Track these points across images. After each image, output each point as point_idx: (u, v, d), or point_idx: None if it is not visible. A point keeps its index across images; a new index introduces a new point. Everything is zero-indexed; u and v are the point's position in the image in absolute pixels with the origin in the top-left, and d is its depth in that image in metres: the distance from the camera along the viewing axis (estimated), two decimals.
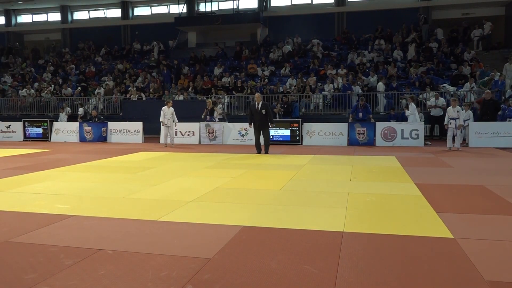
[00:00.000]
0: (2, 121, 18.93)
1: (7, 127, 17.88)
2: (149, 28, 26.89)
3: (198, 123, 15.35)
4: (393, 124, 14.18)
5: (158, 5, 28.05)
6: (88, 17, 29.47)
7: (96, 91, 21.04)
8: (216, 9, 26.07)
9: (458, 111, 12.14)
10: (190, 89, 20.08)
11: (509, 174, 7.87)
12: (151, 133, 16.89)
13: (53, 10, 29.39)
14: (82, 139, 16.33)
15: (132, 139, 16.02)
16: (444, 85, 16.89)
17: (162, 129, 14.27)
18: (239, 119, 16.52)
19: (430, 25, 22.26)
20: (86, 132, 16.30)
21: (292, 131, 14.55)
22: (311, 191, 6.35)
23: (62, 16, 29.12)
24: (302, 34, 23.32)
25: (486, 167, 8.85)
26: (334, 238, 4.03)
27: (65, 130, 16.99)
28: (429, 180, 7.17)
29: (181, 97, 19.03)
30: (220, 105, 16.61)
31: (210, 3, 26.06)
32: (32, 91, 22.09)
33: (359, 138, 13.96)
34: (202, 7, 26.52)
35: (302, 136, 14.50)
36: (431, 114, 15.08)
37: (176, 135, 14.73)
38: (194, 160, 10.24)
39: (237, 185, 6.89)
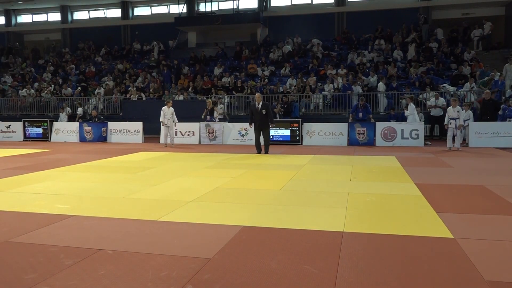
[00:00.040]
0: (2, 121, 18.93)
1: (7, 127, 17.88)
2: (149, 28, 26.89)
3: (198, 123, 15.35)
4: (393, 124, 14.18)
5: (158, 5, 28.05)
6: (88, 17, 29.48)
7: (96, 91, 21.04)
8: (216, 9, 26.07)
9: (458, 111, 12.14)
10: (190, 89, 20.08)
11: (509, 174, 7.87)
12: (151, 133, 16.89)
13: (53, 10, 29.40)
14: (82, 139, 16.34)
15: (132, 139, 16.02)
16: (444, 85, 16.89)
17: (162, 129, 14.28)
18: (239, 119, 16.52)
19: (430, 25, 22.27)
20: (86, 132, 16.30)
21: (292, 131, 14.55)
22: (311, 191, 6.35)
23: (62, 16, 29.12)
24: (302, 34, 23.32)
25: (486, 167, 8.85)
26: (334, 238, 4.03)
27: (65, 130, 16.99)
28: (429, 180, 7.17)
29: (181, 97, 19.03)
30: (222, 105, 16.62)
31: (210, 3, 26.06)
32: (32, 91, 22.09)
33: (359, 138, 13.96)
34: (202, 7, 26.52)
35: (302, 136, 14.50)
36: (431, 114, 15.08)
37: (176, 135, 14.73)
38: (194, 160, 10.24)
39: (237, 185, 6.89)
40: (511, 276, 3.16)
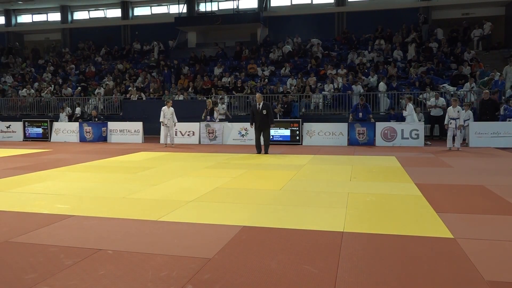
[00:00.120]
0: (2, 121, 18.92)
1: (7, 127, 17.88)
2: (149, 28, 26.89)
3: (198, 123, 15.35)
4: (393, 124, 14.18)
5: (158, 5, 28.06)
6: (88, 17, 29.48)
7: (96, 91, 21.04)
8: (216, 9, 26.07)
9: (458, 111, 12.14)
10: (190, 89, 20.08)
11: (509, 174, 7.87)
12: (151, 133, 16.89)
13: (53, 10, 29.40)
14: (82, 139, 16.34)
15: (132, 139, 16.02)
16: (444, 85, 16.89)
17: (162, 129, 14.28)
18: (239, 119, 16.52)
19: (430, 25, 22.27)
20: (86, 132, 16.30)
21: (292, 131, 14.55)
22: (311, 191, 6.35)
23: (62, 16, 29.13)
24: (302, 34, 23.32)
25: (486, 167, 8.85)
26: (334, 238, 4.03)
27: (65, 130, 16.99)
28: (429, 180, 7.17)
29: (181, 97, 19.03)
30: (224, 105, 16.61)
31: (210, 3, 26.06)
32: (32, 91, 22.09)
33: (359, 138, 13.96)
34: (202, 7, 26.53)
35: (302, 136, 14.50)
36: (431, 114, 15.08)
37: (176, 135, 14.73)
38: (194, 160, 10.25)
39: (237, 185, 6.89)
40: (511, 276, 3.16)
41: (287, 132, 14.59)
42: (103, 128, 16.39)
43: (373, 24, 22.49)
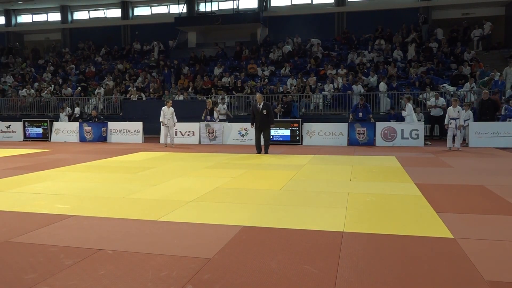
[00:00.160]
0: (2, 121, 18.93)
1: (7, 127, 17.88)
2: (149, 28, 26.89)
3: (198, 123, 15.35)
4: (393, 124, 14.18)
5: (158, 5, 28.06)
6: (88, 17, 29.48)
7: (96, 91, 21.04)
8: (216, 9, 26.08)
9: (458, 111, 12.14)
10: (190, 89, 20.08)
11: (509, 174, 7.87)
12: (151, 133, 16.89)
13: (53, 10, 29.40)
14: (82, 139, 16.34)
15: (132, 139, 16.02)
16: (444, 85, 16.90)
17: (162, 129, 14.28)
18: (239, 119, 16.53)
19: (430, 25, 22.27)
20: (86, 132, 16.30)
21: (292, 131, 14.55)
22: (311, 191, 6.35)
23: (62, 16, 29.13)
24: (302, 34, 23.33)
25: (486, 167, 8.85)
26: (334, 238, 4.03)
27: (65, 130, 16.99)
28: (429, 180, 7.17)
29: (181, 97, 19.04)
30: (225, 106, 16.61)
31: (210, 3, 26.07)
32: (32, 91, 22.10)
33: (359, 138, 13.96)
34: (202, 7, 26.53)
35: (302, 136, 14.50)
36: (431, 114, 15.08)
37: (176, 135, 14.73)
38: (194, 160, 10.25)
39: (237, 185, 6.89)
40: (511, 276, 3.16)
41: (287, 132, 14.59)
42: (103, 128, 16.39)
43: (373, 24, 22.49)
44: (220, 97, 17.69)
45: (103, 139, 16.32)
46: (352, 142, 14.03)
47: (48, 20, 30.00)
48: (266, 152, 11.48)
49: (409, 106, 14.24)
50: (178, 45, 25.64)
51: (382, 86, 17.37)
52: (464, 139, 13.20)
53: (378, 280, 3.10)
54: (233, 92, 19.05)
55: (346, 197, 5.83)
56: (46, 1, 28.25)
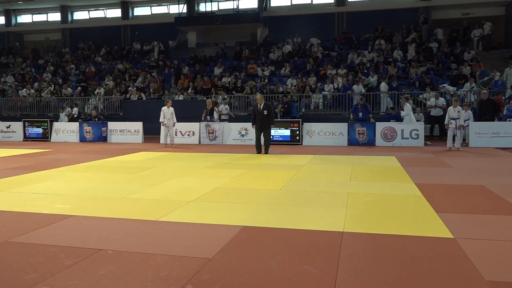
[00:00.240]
0: (2, 121, 18.92)
1: (7, 127, 17.87)
2: (149, 28, 26.89)
3: (198, 123, 15.35)
4: (393, 124, 14.18)
5: (158, 5, 28.06)
6: (88, 17, 29.48)
7: (96, 91, 21.04)
8: (216, 9, 26.08)
9: (459, 111, 12.14)
10: (190, 89, 20.08)
11: (509, 174, 7.87)
12: (151, 133, 16.89)
13: (53, 10, 29.40)
14: (82, 139, 16.34)
15: (132, 139, 16.02)
16: (444, 85, 16.90)
17: (162, 129, 14.28)
18: (239, 119, 16.53)
19: (430, 25, 22.27)
20: (86, 132, 16.30)
21: (292, 131, 14.55)
22: (311, 191, 6.35)
23: (62, 16, 29.13)
24: (302, 34, 23.33)
25: (486, 167, 8.85)
26: (334, 238, 4.03)
27: (65, 130, 16.99)
28: (429, 180, 7.17)
29: (181, 97, 19.04)
30: (226, 106, 16.61)
31: (210, 3, 26.06)
32: (32, 91, 22.10)
33: (359, 138, 13.96)
34: (202, 7, 26.53)
35: (302, 136, 14.50)
36: (431, 114, 15.08)
37: (176, 135, 14.73)
38: (194, 160, 10.25)
39: (237, 185, 6.89)
40: (511, 276, 3.16)
41: (287, 132, 14.59)
42: (103, 128, 16.39)
43: (373, 24, 22.49)
44: (221, 97, 17.69)
45: (103, 139, 16.32)
46: (352, 142, 14.03)
47: (48, 20, 30.00)
48: (266, 152, 11.48)
49: (408, 106, 14.24)
50: (178, 45, 25.64)
51: (383, 86, 17.37)
52: (464, 139, 13.20)
53: (378, 280, 3.10)
54: (233, 92, 19.05)
55: (346, 197, 5.83)
56: (46, 1, 28.25)
